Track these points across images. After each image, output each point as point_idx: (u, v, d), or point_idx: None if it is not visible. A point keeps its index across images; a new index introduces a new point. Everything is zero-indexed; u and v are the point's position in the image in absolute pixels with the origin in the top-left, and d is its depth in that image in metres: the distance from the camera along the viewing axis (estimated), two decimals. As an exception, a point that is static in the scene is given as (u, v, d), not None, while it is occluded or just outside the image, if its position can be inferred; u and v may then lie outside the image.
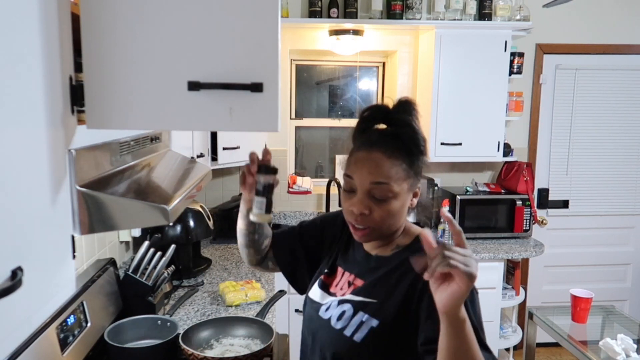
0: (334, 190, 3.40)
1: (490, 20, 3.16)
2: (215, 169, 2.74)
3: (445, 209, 3.19)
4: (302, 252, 1.32)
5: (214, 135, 2.74)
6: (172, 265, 2.19)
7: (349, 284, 1.14)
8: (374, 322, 1.03)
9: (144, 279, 1.89)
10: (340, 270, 1.20)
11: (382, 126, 1.08)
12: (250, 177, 1.09)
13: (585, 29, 3.52)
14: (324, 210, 3.47)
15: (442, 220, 3.16)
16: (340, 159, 4.14)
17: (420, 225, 1.19)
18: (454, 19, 3.14)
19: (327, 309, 1.13)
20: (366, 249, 1.16)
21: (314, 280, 1.25)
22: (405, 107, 1.06)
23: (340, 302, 1.11)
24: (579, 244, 3.78)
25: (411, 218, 1.15)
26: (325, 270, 1.23)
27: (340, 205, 3.51)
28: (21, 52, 0.73)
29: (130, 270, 1.90)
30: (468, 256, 0.79)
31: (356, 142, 1.09)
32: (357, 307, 1.07)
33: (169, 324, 1.73)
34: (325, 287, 1.19)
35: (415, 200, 1.08)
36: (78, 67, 0.92)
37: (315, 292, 1.21)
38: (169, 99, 0.93)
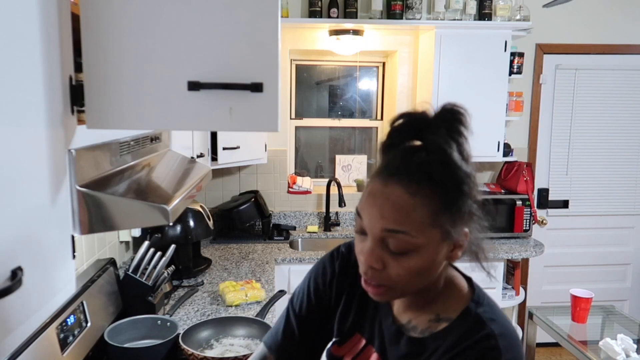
0: (334, 190, 3.40)
1: (490, 20, 3.16)
2: (215, 169, 2.74)
3: None
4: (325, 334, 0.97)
5: (214, 135, 2.74)
6: (172, 265, 2.19)
7: None
8: None
9: (144, 279, 1.89)
10: (358, 337, 0.90)
11: (417, 143, 0.75)
12: None
13: (585, 29, 3.52)
14: (323, 210, 3.47)
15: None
16: (341, 159, 4.11)
17: (467, 277, 0.86)
18: (454, 19, 3.14)
19: None
20: (395, 311, 0.86)
21: (323, 349, 0.97)
22: (447, 122, 0.75)
23: None
24: (579, 244, 3.78)
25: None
26: (335, 339, 0.93)
27: (340, 205, 3.52)
28: (21, 52, 0.73)
29: (130, 270, 1.90)
30: None
31: (378, 163, 0.78)
32: None
33: (169, 324, 1.73)
34: None
35: (458, 253, 0.77)
36: (78, 67, 0.92)
37: None
38: (169, 99, 0.93)
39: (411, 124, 0.76)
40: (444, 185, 0.71)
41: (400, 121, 0.76)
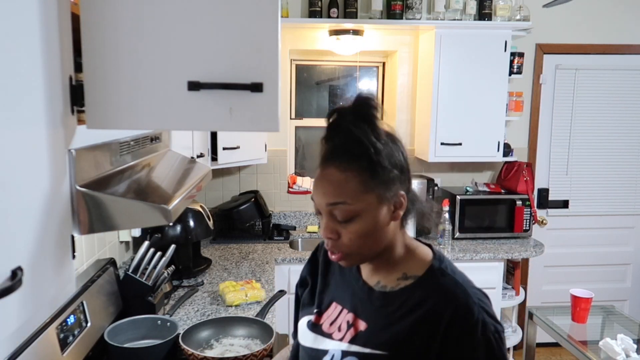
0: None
1: (490, 20, 3.16)
2: (215, 169, 2.74)
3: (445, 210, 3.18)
4: None
5: (214, 135, 2.74)
6: (172, 265, 2.19)
7: (349, 324, 0.96)
8: None
9: (144, 279, 1.89)
10: (335, 305, 1.01)
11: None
12: None
13: (585, 29, 3.52)
14: (324, 210, 3.47)
15: (442, 219, 3.16)
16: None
17: (424, 239, 1.00)
18: (454, 19, 3.14)
19: None
20: (364, 276, 0.98)
21: (301, 318, 1.07)
22: (357, 107, 0.90)
23: (345, 353, 0.93)
24: (579, 244, 3.78)
25: (411, 230, 1.04)
26: (315, 310, 1.04)
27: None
28: (21, 52, 0.73)
29: (130, 270, 1.90)
30: None
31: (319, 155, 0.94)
32: None
33: (169, 324, 1.73)
34: (317, 329, 1.01)
35: (399, 212, 0.91)
36: (78, 67, 0.92)
37: (305, 336, 1.03)
38: (169, 99, 0.93)
39: (332, 116, 0.92)
40: (363, 158, 0.86)
41: (328, 118, 0.93)
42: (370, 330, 0.92)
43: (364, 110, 0.90)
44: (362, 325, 0.93)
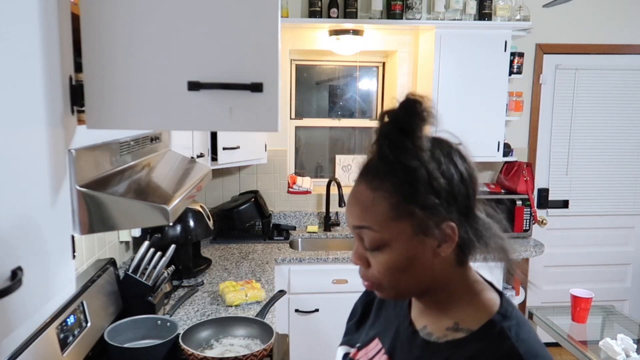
0: (334, 190, 3.40)
1: (490, 20, 3.16)
2: (215, 169, 2.74)
3: None
4: None
5: (214, 135, 2.74)
6: (172, 265, 2.19)
7: None
8: None
9: (144, 279, 1.89)
10: (376, 342, 0.88)
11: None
12: None
13: (585, 29, 3.52)
14: (323, 210, 3.47)
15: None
16: (341, 159, 4.11)
17: (499, 291, 0.80)
18: (454, 19, 3.14)
19: None
20: (412, 316, 0.83)
21: (341, 345, 0.96)
22: (397, 115, 0.72)
23: None
24: (579, 244, 3.78)
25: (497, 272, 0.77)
26: (357, 345, 0.92)
27: (340, 205, 3.53)
28: (21, 52, 0.73)
29: (130, 270, 1.90)
30: None
31: None
32: None
33: (169, 324, 1.73)
34: None
35: (446, 249, 0.73)
36: (78, 67, 0.92)
37: None
38: (169, 99, 0.93)
39: (380, 120, 0.75)
40: (395, 177, 0.71)
41: (380, 120, 0.76)
42: None
43: (406, 117, 0.72)
44: None
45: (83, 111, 0.92)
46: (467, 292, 0.77)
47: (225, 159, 2.80)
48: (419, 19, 3.13)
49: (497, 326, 0.72)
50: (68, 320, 1.43)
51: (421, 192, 0.70)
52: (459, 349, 0.72)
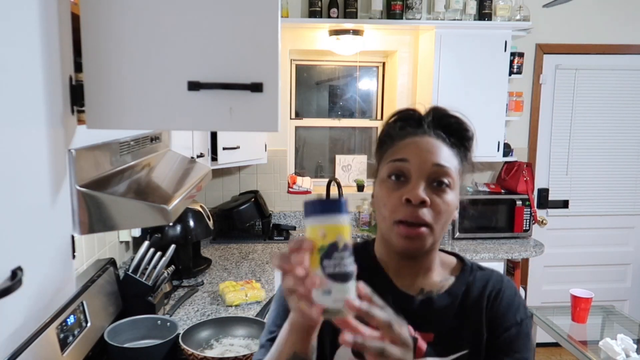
0: (334, 190, 3.40)
1: (490, 20, 3.16)
2: (215, 169, 2.74)
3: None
4: None
5: (214, 135, 2.74)
6: (172, 265, 2.19)
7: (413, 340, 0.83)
8: None
9: (144, 279, 1.89)
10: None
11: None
12: (299, 272, 0.63)
13: (585, 29, 3.52)
14: (324, 210, 3.46)
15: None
16: (341, 159, 4.10)
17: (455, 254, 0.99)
18: (454, 19, 3.14)
19: None
20: (400, 286, 0.90)
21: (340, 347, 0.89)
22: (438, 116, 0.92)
23: None
24: (579, 244, 3.78)
25: None
26: None
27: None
28: (21, 52, 0.73)
29: (130, 270, 1.90)
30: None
31: (395, 135, 0.91)
32: None
33: (169, 324, 1.73)
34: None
35: (455, 213, 0.89)
36: (78, 67, 0.92)
37: None
38: (169, 99, 0.93)
39: (411, 115, 0.95)
40: (463, 141, 0.90)
41: (398, 116, 0.95)
42: (441, 338, 0.86)
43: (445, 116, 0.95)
44: (427, 337, 0.86)
45: (83, 111, 0.92)
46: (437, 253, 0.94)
47: (225, 159, 2.80)
48: (419, 19, 3.13)
49: (469, 265, 0.94)
50: (68, 320, 1.43)
51: (470, 161, 0.91)
52: (459, 287, 0.90)
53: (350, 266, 0.62)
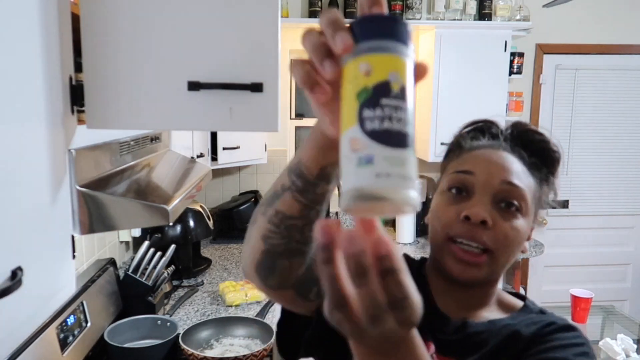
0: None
1: (490, 20, 3.16)
2: (215, 169, 2.74)
3: None
4: None
5: (214, 135, 2.74)
6: (172, 265, 2.19)
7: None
8: None
9: (144, 279, 1.89)
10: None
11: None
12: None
13: (585, 29, 3.52)
14: (324, 210, 3.46)
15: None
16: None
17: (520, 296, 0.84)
18: (454, 19, 3.14)
19: None
20: (443, 308, 0.77)
21: None
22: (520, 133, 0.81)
23: None
24: (579, 244, 3.78)
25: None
26: None
27: (340, 205, 3.47)
28: (21, 52, 0.73)
29: (130, 270, 1.90)
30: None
31: (465, 146, 0.81)
32: None
33: (169, 324, 1.73)
34: None
35: (527, 245, 0.77)
36: (78, 67, 0.92)
37: None
38: (169, 99, 0.93)
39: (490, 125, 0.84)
40: (547, 162, 0.81)
41: (475, 125, 0.85)
42: None
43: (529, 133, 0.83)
44: None
45: (83, 111, 0.93)
46: (497, 290, 0.81)
47: (225, 159, 2.80)
48: (419, 19, 3.13)
49: (531, 308, 0.78)
50: (68, 320, 1.43)
51: (552, 184, 0.81)
52: (509, 319, 0.75)
53: (409, 126, 0.38)
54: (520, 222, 0.73)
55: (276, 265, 0.63)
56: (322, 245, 0.37)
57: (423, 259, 0.86)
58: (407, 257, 0.83)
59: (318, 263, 0.38)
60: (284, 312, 0.78)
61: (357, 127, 0.38)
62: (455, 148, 0.82)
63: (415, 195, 0.37)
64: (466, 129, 0.85)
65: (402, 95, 0.38)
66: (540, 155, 0.80)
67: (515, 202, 0.73)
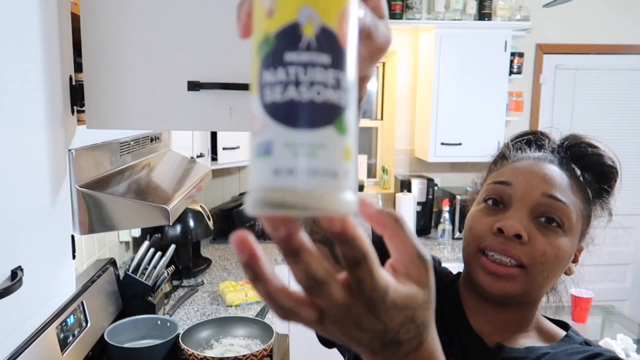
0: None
1: (490, 20, 3.16)
2: (215, 169, 2.74)
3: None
4: None
5: (214, 135, 2.74)
6: (172, 265, 2.19)
7: None
8: None
9: (144, 279, 1.89)
10: None
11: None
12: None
13: (585, 29, 3.52)
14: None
15: (441, 219, 3.15)
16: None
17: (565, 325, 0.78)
18: (454, 19, 3.14)
19: None
20: (477, 328, 0.72)
21: None
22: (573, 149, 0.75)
23: None
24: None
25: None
26: None
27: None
28: (21, 53, 0.73)
29: (130, 270, 1.90)
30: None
31: (509, 156, 0.77)
32: None
33: (169, 324, 1.73)
34: None
35: (573, 267, 0.74)
36: (78, 67, 0.92)
37: None
38: (169, 99, 0.93)
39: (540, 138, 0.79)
40: (602, 178, 0.76)
41: (528, 137, 0.79)
42: None
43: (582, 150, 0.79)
44: None
45: (83, 111, 0.93)
46: (537, 315, 0.75)
47: (225, 159, 2.80)
48: (419, 19, 3.13)
49: (575, 339, 0.71)
50: (68, 320, 1.43)
51: (607, 201, 0.76)
52: (549, 349, 0.69)
53: (335, 91, 0.26)
54: (562, 241, 0.68)
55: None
56: (245, 263, 0.31)
57: (458, 274, 0.81)
58: (439, 271, 0.80)
59: (250, 282, 0.33)
60: None
61: (256, 97, 0.27)
62: (499, 159, 0.78)
63: (339, 196, 0.26)
64: (514, 140, 0.80)
65: (320, 43, 0.25)
66: (593, 170, 0.75)
67: (557, 218, 0.67)
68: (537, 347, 0.69)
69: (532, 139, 0.78)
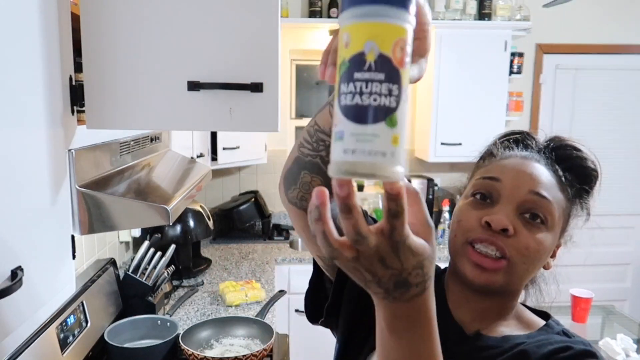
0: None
1: (490, 20, 3.16)
2: (215, 169, 2.74)
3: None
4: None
5: (214, 135, 2.74)
6: (172, 265, 2.19)
7: None
8: None
9: (144, 279, 1.89)
10: None
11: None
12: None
13: (585, 29, 3.52)
14: (324, 210, 3.46)
15: (441, 219, 3.15)
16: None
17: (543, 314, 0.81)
18: (454, 19, 3.14)
19: None
20: (458, 317, 0.75)
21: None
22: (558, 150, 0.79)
23: None
24: (579, 244, 3.77)
25: None
26: None
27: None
28: (21, 53, 0.73)
29: (130, 270, 1.90)
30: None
31: (496, 154, 0.81)
32: None
33: (169, 324, 1.73)
34: None
35: (551, 262, 0.80)
36: (78, 67, 0.92)
37: None
38: (169, 99, 0.93)
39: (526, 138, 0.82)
40: (582, 179, 0.79)
41: (515, 136, 0.83)
42: None
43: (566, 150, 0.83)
44: None
45: (83, 111, 0.93)
46: (517, 305, 0.79)
47: (225, 159, 2.80)
48: (419, 19, 3.13)
49: (555, 328, 0.75)
50: (68, 320, 1.43)
51: (586, 201, 0.81)
52: (525, 337, 0.72)
53: (387, 98, 0.37)
54: (544, 236, 0.72)
55: (299, 177, 0.69)
56: (315, 205, 0.41)
57: (445, 269, 0.83)
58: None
59: (310, 222, 0.42)
60: (311, 282, 0.83)
61: (337, 101, 0.40)
62: (486, 155, 0.82)
63: (391, 168, 0.38)
64: (500, 138, 0.84)
65: (378, 66, 0.37)
66: (576, 172, 0.78)
67: (541, 214, 0.71)
68: (514, 337, 0.72)
69: (520, 139, 0.82)
